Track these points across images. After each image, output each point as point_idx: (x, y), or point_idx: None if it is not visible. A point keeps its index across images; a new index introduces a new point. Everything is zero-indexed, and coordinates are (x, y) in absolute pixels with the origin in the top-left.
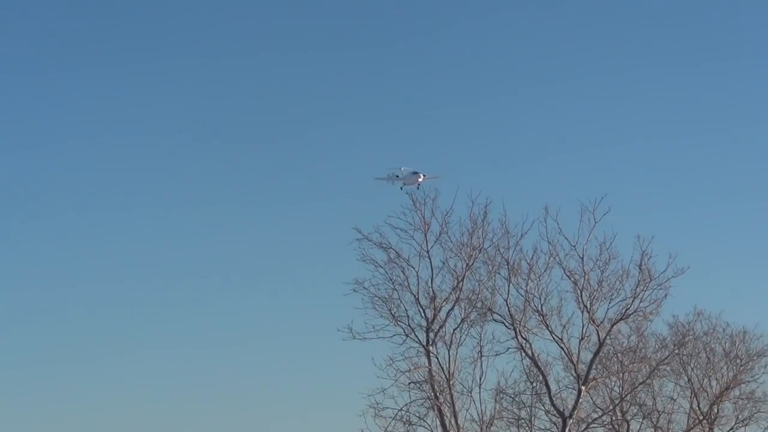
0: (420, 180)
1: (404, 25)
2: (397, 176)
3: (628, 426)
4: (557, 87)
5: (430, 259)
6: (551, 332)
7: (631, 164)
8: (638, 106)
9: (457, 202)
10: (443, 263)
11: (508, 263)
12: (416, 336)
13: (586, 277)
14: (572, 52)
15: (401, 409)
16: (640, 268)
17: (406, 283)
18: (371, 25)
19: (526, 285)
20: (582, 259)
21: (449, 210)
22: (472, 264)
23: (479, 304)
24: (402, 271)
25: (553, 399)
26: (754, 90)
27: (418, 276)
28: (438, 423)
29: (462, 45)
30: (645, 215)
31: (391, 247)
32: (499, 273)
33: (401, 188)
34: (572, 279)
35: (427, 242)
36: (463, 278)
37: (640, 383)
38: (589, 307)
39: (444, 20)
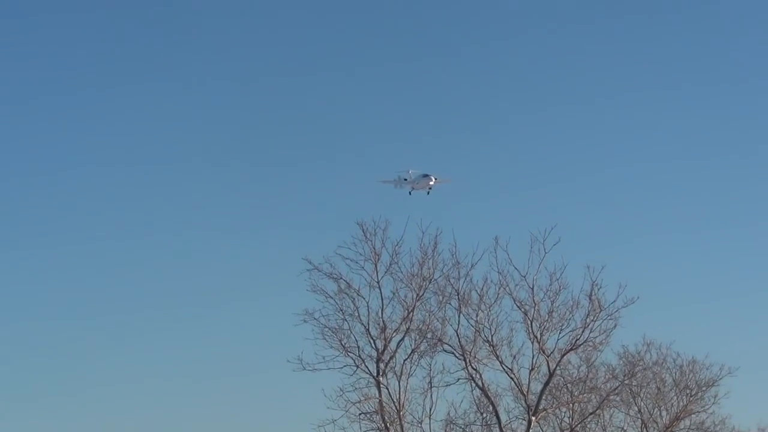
0: (431, 183)
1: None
2: (405, 179)
3: None
4: (509, 120)
5: (380, 290)
6: (501, 363)
7: (580, 194)
8: (588, 137)
9: (407, 232)
10: (393, 294)
11: (458, 293)
12: (366, 367)
13: (537, 307)
14: (524, 85)
15: None
16: (590, 299)
17: (357, 314)
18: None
19: (477, 315)
20: (532, 289)
21: (399, 240)
22: (423, 294)
23: (429, 335)
24: (352, 302)
25: (503, 429)
26: (705, 120)
27: (368, 306)
28: None
29: (424, 76)
30: (595, 245)
31: (341, 278)
32: (449, 303)
33: (409, 193)
34: (522, 309)
35: (377, 273)
36: (414, 309)
37: (590, 414)
38: (539, 337)
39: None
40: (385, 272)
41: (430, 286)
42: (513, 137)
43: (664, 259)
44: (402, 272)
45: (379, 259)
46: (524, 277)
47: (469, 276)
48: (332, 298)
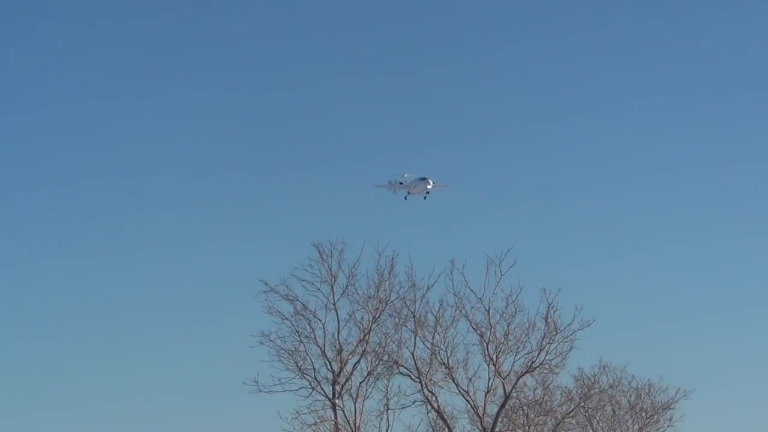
0: (429, 187)
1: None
2: (401, 183)
3: None
4: (467, 142)
5: (336, 312)
6: (457, 385)
7: (536, 217)
8: (543, 159)
9: (363, 254)
10: (350, 316)
11: (414, 316)
12: (322, 389)
13: (492, 329)
14: (482, 109)
15: None
16: (546, 321)
17: (313, 336)
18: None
19: (433, 338)
20: (488, 311)
21: (356, 262)
22: (379, 316)
23: (385, 357)
24: (308, 324)
25: None
26: (661, 143)
27: (324, 328)
28: None
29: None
30: (551, 268)
31: (297, 299)
32: (405, 326)
33: (405, 198)
34: (479, 332)
35: (333, 294)
36: (370, 331)
37: None
38: (495, 359)
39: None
40: (342, 294)
41: (386, 308)
42: (471, 159)
43: (619, 282)
44: (358, 294)
45: (335, 281)
46: (480, 299)
47: (425, 298)
48: (288, 319)
